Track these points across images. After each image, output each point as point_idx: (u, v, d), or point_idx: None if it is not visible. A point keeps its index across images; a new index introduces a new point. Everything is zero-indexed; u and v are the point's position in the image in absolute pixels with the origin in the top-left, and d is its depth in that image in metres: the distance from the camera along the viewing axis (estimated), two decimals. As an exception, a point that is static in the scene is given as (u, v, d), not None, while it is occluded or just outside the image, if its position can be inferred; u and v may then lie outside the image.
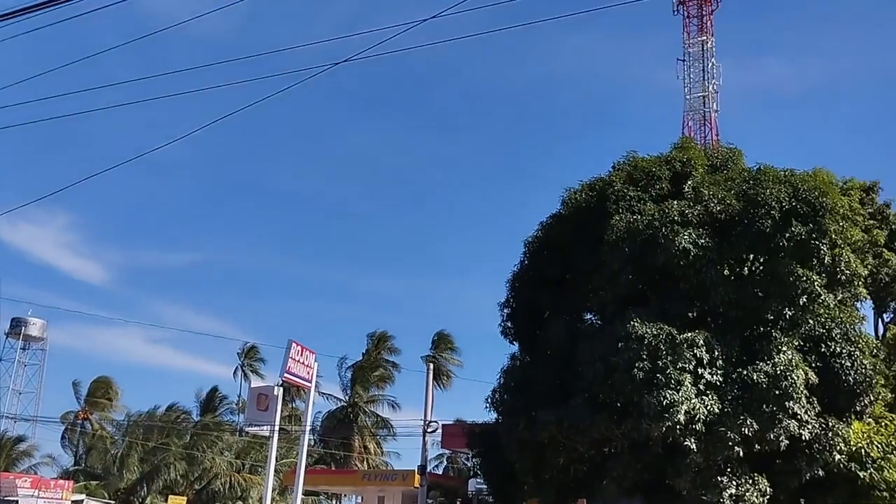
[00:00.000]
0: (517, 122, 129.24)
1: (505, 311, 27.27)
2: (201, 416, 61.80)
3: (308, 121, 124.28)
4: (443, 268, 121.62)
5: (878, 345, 24.65)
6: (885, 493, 22.58)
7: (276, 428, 32.04)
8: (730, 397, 21.10)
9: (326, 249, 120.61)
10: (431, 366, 33.54)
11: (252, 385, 37.97)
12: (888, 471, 22.44)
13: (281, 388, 32.93)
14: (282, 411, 34.24)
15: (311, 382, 33.67)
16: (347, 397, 58.05)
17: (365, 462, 55.03)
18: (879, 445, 22.73)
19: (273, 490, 38.50)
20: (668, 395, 20.13)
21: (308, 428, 34.94)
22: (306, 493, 48.82)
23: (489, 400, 25.34)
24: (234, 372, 64.84)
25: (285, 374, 32.40)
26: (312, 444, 55.88)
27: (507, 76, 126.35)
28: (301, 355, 32.83)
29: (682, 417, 20.23)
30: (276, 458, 35.35)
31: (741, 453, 20.98)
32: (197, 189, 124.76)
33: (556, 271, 25.64)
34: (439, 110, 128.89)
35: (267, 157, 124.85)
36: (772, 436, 20.68)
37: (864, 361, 22.18)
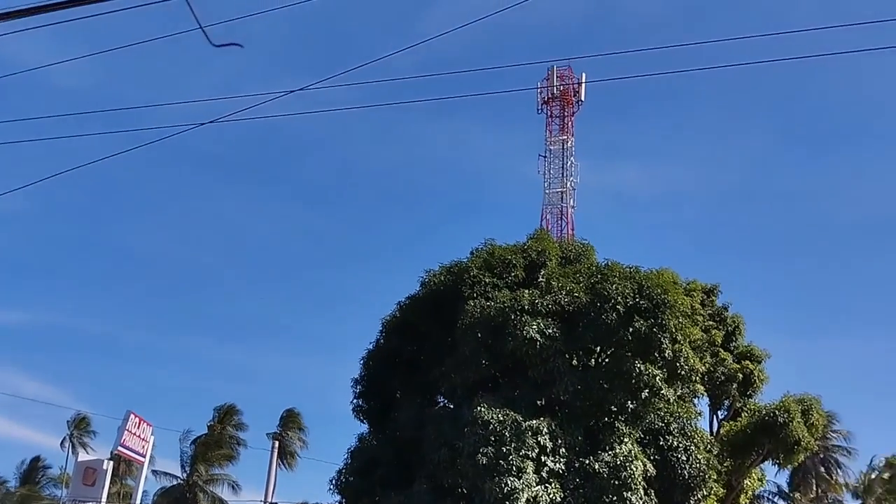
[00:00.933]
0: (384, 201, 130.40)
1: (357, 389, 26.86)
2: (19, 486, 57.29)
3: (168, 183, 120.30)
4: (298, 343, 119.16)
5: (713, 441, 25.70)
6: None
7: (103, 505, 29.95)
8: (571, 486, 21.40)
9: (177, 316, 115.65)
10: (277, 444, 32.39)
11: (79, 458, 35.51)
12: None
13: (111, 463, 30.94)
14: (111, 487, 32.04)
15: (145, 457, 31.83)
16: (186, 475, 55.14)
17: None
18: (711, 539, 23.47)
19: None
20: (510, 483, 20.18)
21: (138, 506, 32.76)
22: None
23: (334, 482, 24.69)
24: (62, 442, 60.54)
25: (119, 447, 30.52)
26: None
27: (377, 154, 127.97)
28: (138, 428, 31.10)
29: (523, 505, 20.29)
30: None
31: (581, 542, 21.17)
32: (38, 245, 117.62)
33: (411, 352, 25.60)
34: (307, 183, 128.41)
35: (119, 217, 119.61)
36: (610, 526, 20.98)
37: (699, 456, 23.06)
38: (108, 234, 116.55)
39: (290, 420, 56.02)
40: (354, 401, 26.80)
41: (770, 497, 52.12)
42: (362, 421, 26.80)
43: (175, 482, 55.09)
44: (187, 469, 55.34)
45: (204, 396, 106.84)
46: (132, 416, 31.06)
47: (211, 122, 12.88)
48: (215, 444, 55.48)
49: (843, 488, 52.42)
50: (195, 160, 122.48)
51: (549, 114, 54.82)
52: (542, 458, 21.19)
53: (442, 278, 25.44)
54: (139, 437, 31.34)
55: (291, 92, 13.23)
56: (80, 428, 59.96)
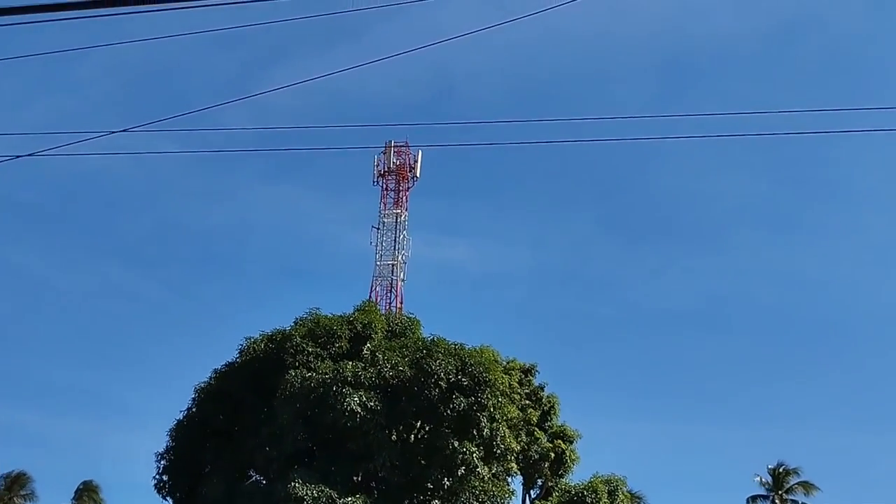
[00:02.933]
0: (207, 262, 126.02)
1: (162, 462, 25.28)
2: None
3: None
4: (99, 408, 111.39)
5: (525, 520, 25.99)
6: None
7: None
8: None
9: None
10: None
11: None
12: None
13: None
14: None
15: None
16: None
17: None
18: None
19: None
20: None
21: None
22: None
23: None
24: None
25: None
26: None
27: (203, 213, 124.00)
28: None
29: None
30: None
31: None
32: None
33: (224, 422, 24.51)
34: (124, 237, 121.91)
35: None
36: None
37: (512, 536, 23.21)
38: None
39: (86, 492, 51.90)
40: (157, 476, 25.19)
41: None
42: (165, 497, 25.21)
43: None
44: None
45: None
46: None
47: (14, 157, 11.97)
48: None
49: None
50: None
51: (384, 186, 55.38)
52: (356, 539, 20.64)
53: (263, 346, 24.69)
54: None
55: (112, 133, 12.62)
56: None
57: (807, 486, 50.55)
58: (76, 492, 51.70)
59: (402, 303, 51.19)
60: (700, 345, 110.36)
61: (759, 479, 51.34)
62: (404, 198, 55.20)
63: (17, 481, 51.97)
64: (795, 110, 11.65)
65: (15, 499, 51.77)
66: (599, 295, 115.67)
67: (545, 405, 33.64)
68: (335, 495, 20.82)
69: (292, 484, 20.78)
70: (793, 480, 51.06)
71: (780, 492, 51.16)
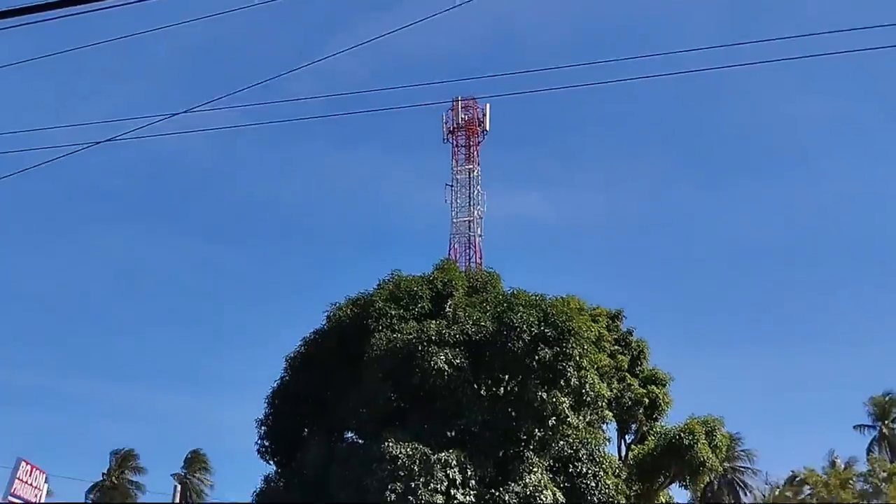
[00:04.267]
0: (286, 234, 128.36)
1: (262, 429, 26.09)
2: None
3: (52, 215, 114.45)
4: (201, 382, 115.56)
5: (621, 465, 25.92)
6: None
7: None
8: (482, 519, 21.22)
9: (67, 356, 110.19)
10: (180, 487, 31.11)
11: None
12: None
13: (0, 514, 29.18)
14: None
15: (37, 507, 30.13)
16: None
17: None
18: (620, 564, 23.58)
19: None
20: (418, 518, 19.85)
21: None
22: None
23: (240, 525, 23.84)
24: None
25: (10, 497, 28.87)
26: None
27: (278, 186, 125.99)
28: (30, 475, 29.50)
29: (433, 541, 20.00)
30: None
31: (490, 575, 20.98)
32: None
33: (317, 388, 25.01)
34: (205, 216, 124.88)
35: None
36: (521, 557, 20.86)
37: (608, 482, 23.20)
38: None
39: (195, 461, 54.28)
40: (259, 441, 26.04)
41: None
42: (268, 462, 26.04)
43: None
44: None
45: (98, 440, 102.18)
46: (23, 463, 29.48)
47: (95, 143, 12.30)
48: (114, 490, 53.30)
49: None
50: (82, 192, 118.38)
51: (454, 143, 55.24)
52: (452, 492, 20.93)
53: (347, 312, 25.03)
54: (31, 485, 29.74)
55: (176, 114, 12.84)
56: (-33, 478, 56.66)
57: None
58: (185, 461, 54.03)
59: (480, 258, 51.28)
60: (790, 278, 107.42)
61: (867, 405, 50.15)
62: (475, 153, 54.94)
63: (126, 458, 54.66)
64: (870, 27, 10.94)
65: (125, 472, 54.50)
66: (682, 235, 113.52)
67: (634, 350, 33.31)
68: (429, 452, 21.10)
69: (386, 444, 21.13)
70: (899, 409, 49.70)
71: (886, 421, 49.83)
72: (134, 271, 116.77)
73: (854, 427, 51.52)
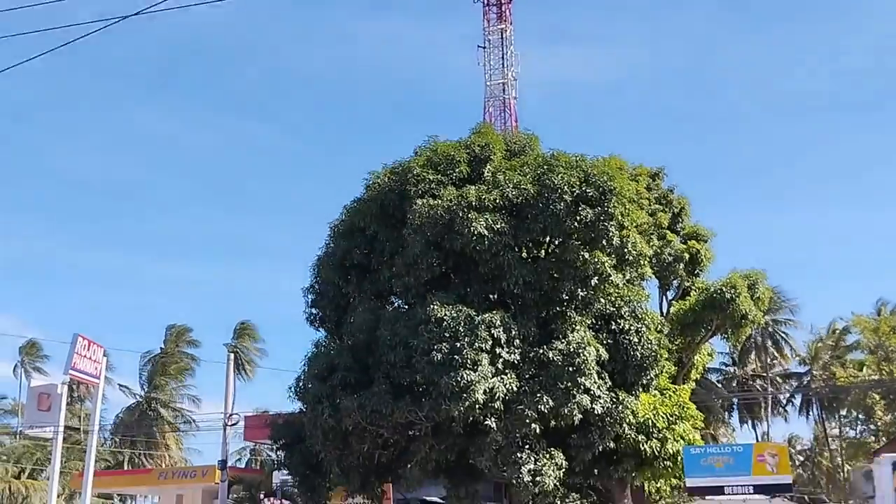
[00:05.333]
0: (319, 105, 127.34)
1: (309, 296, 26.67)
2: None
3: (84, 94, 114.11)
4: (246, 254, 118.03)
5: (663, 321, 26.21)
6: (667, 463, 24.14)
7: (60, 429, 29.67)
8: (527, 376, 21.75)
9: (115, 235, 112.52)
10: (233, 356, 32.17)
11: (32, 384, 35.04)
12: (671, 442, 23.96)
13: (65, 387, 30.56)
14: (73, 411, 31.83)
15: (98, 379, 31.47)
16: (144, 393, 55.21)
17: (164, 460, 52.48)
18: (664, 416, 24.22)
19: (59, 495, 35.80)
20: (465, 376, 20.40)
21: (96, 428, 32.59)
22: (98, 496, 45.89)
23: (293, 389, 24.73)
24: (14, 369, 59.78)
25: (70, 371, 30.12)
26: (105, 444, 52.68)
27: (306, 58, 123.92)
28: (88, 350, 30.61)
29: (480, 397, 20.61)
30: (67, 460, 32.82)
31: (538, 430, 21.68)
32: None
33: (361, 255, 25.31)
34: (236, 91, 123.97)
35: (36, 135, 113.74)
36: (566, 411, 21.48)
37: (650, 337, 23.53)
38: (27, 155, 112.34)
39: (244, 332, 56.11)
40: (307, 309, 26.64)
41: (721, 368, 54.04)
42: (317, 329, 26.72)
43: (135, 400, 55.26)
44: (145, 388, 55.41)
45: (152, 314, 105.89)
46: (80, 338, 30.54)
47: (123, 17, 12.03)
48: (170, 361, 55.56)
49: (791, 358, 54.44)
50: (112, 70, 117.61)
51: (485, 2, 53.42)
52: (497, 351, 21.39)
53: (386, 179, 24.98)
54: (91, 359, 30.88)
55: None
56: (30, 354, 59.17)
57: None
58: (234, 331, 55.88)
59: (516, 121, 50.55)
60: (838, 127, 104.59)
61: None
62: (507, 11, 53.18)
63: (181, 333, 56.69)
64: None
65: (180, 345, 56.67)
66: (727, 87, 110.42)
67: (675, 207, 33.15)
68: (473, 313, 21.47)
69: (431, 307, 21.52)
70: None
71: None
72: (170, 150, 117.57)
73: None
